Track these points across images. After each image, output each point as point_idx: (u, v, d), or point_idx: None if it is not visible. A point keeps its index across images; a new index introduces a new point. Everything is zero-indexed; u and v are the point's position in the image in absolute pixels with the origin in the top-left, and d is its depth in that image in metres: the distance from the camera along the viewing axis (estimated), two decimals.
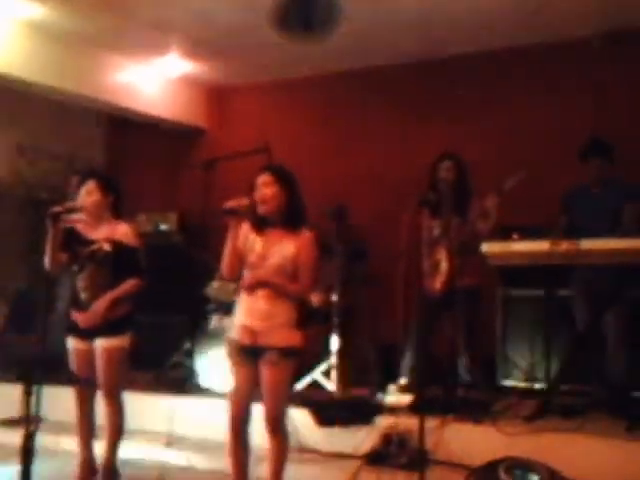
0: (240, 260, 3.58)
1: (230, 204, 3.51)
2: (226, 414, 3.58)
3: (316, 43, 5.02)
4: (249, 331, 3.54)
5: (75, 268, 4.10)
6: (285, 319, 3.55)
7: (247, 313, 3.56)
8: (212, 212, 3.54)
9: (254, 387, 3.55)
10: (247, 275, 3.58)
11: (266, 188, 3.52)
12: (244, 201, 3.52)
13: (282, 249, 3.54)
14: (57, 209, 3.95)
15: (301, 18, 4.64)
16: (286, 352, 3.51)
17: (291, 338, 3.55)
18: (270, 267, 3.53)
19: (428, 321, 4.83)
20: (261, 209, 3.53)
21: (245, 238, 3.58)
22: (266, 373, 3.50)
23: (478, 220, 4.67)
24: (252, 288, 3.53)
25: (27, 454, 3.26)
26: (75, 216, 4.11)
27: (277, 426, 3.55)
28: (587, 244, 4.14)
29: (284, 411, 3.61)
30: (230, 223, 3.54)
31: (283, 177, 3.58)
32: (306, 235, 3.57)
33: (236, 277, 3.64)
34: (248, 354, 3.54)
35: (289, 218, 3.56)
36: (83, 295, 4.07)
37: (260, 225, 3.58)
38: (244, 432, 3.58)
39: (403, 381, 5.02)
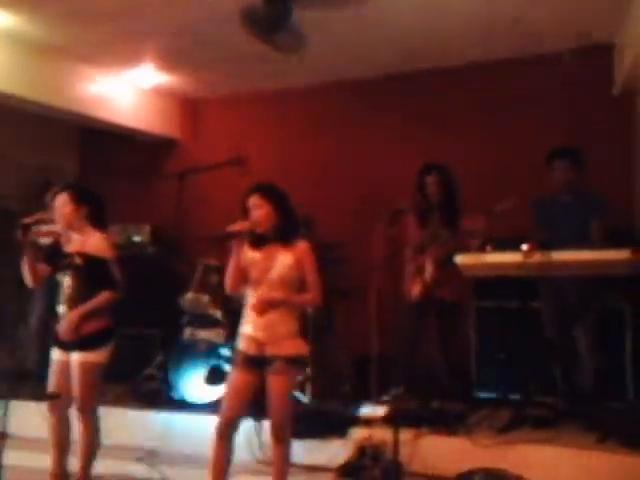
0: (243, 276, 3.72)
1: (233, 228, 3.66)
2: (214, 420, 3.70)
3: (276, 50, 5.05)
4: (255, 342, 3.68)
5: (58, 280, 4.10)
6: (288, 329, 3.69)
7: (252, 324, 3.70)
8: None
9: (251, 395, 3.69)
10: (254, 295, 3.70)
11: (258, 210, 3.70)
12: (245, 225, 3.68)
13: (281, 262, 3.69)
14: (27, 220, 3.94)
15: (265, 29, 4.70)
16: (292, 361, 3.67)
17: (297, 347, 3.72)
18: (273, 280, 3.68)
19: (415, 329, 4.82)
20: (259, 229, 3.70)
21: (244, 255, 3.72)
22: (273, 382, 3.64)
23: (467, 237, 4.66)
24: (264, 311, 3.65)
25: None
26: (46, 227, 4.08)
27: (283, 434, 3.70)
28: (559, 255, 4.15)
29: (289, 419, 3.72)
30: (233, 245, 3.68)
31: (272, 196, 3.75)
32: (302, 245, 3.74)
33: (238, 292, 3.81)
34: (254, 364, 3.67)
35: (283, 233, 3.73)
36: (61, 308, 4.08)
37: (259, 243, 3.74)
38: (231, 437, 3.71)
39: (394, 391, 4.96)
